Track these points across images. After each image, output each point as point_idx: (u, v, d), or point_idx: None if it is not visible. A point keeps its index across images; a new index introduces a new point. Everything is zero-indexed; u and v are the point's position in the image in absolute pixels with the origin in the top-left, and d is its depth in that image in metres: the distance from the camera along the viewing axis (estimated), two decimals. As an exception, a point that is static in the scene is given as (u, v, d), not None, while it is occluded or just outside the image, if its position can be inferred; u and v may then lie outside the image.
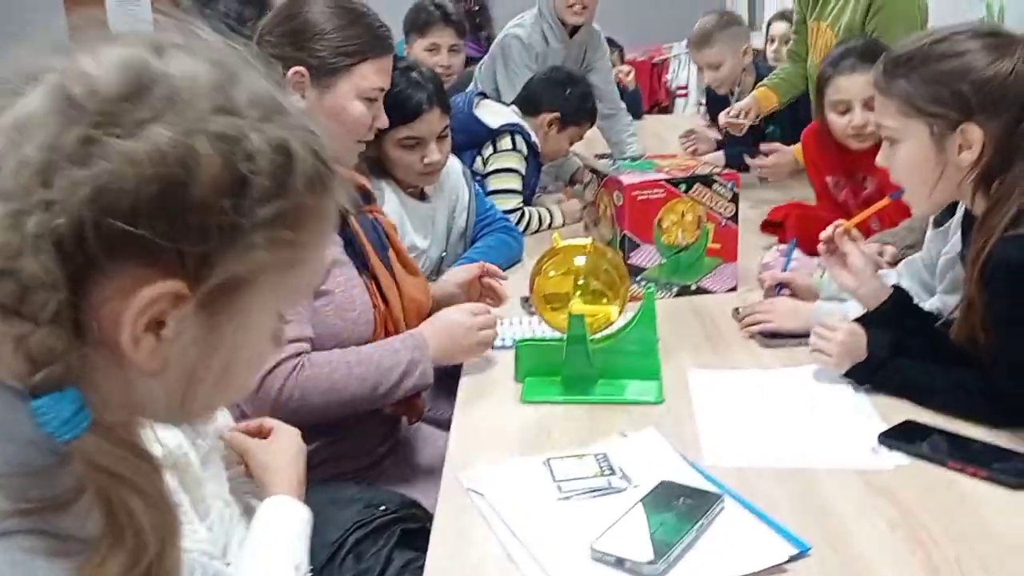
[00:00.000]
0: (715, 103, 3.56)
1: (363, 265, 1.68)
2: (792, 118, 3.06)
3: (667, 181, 2.00)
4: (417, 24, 3.25)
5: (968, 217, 1.53)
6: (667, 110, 5.87)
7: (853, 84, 2.24)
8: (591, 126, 3.04)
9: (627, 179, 2.00)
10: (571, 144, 2.95)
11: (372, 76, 1.65)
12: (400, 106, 1.98)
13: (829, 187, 2.45)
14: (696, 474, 1.30)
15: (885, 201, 1.62)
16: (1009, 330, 1.34)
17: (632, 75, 4.93)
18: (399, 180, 2.17)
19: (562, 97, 2.81)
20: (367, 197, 1.74)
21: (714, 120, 3.52)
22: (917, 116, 1.41)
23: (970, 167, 1.39)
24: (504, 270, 2.32)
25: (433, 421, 1.83)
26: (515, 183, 2.64)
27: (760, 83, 3.10)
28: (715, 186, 2.01)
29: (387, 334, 1.68)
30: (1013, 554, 1.11)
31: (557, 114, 2.79)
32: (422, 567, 1.21)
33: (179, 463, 0.99)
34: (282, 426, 1.27)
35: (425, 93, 2.07)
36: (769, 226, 2.44)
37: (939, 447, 1.34)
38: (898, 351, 1.54)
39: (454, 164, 2.32)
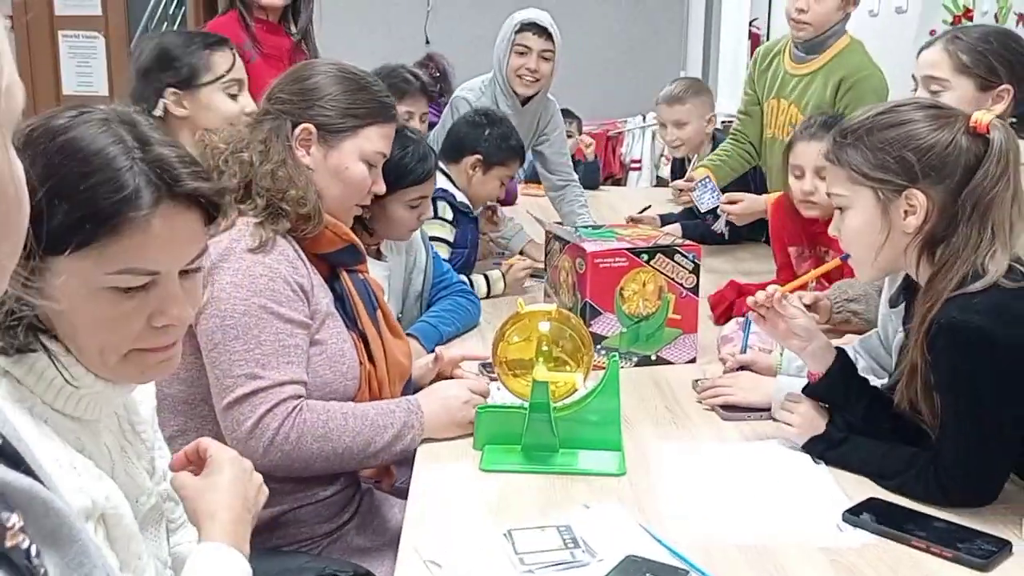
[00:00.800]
0: (677, 172, 3.60)
1: (352, 322, 1.66)
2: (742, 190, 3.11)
3: (630, 250, 2.00)
4: (394, 92, 3.26)
5: (911, 287, 1.55)
6: (620, 183, 5.94)
7: (809, 151, 2.28)
8: (520, 164, 2.97)
9: (590, 246, 2.00)
10: (502, 186, 2.87)
11: (376, 140, 1.68)
12: (415, 169, 2.07)
13: (791, 258, 2.48)
14: (661, 548, 1.27)
15: (834, 263, 1.64)
16: (954, 403, 1.34)
17: (592, 147, 5.00)
18: (369, 234, 2.16)
19: (482, 138, 2.76)
20: (359, 257, 1.72)
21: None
22: (864, 183, 1.44)
23: (915, 232, 1.41)
24: (461, 334, 2.30)
25: (392, 490, 1.78)
26: (443, 252, 2.61)
27: (700, 163, 3.14)
28: (677, 256, 2.02)
29: (371, 394, 1.66)
30: (982, 637, 1.09)
31: (479, 156, 2.74)
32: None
33: (107, 516, 0.94)
34: (221, 454, 1.09)
35: (432, 156, 2.14)
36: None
37: (903, 526, 1.33)
38: (854, 430, 1.54)
39: None
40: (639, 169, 6.09)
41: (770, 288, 1.59)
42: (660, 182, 5.62)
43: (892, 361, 1.72)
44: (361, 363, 1.65)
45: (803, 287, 1.79)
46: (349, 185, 1.67)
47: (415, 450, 1.59)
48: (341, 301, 1.67)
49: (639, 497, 1.44)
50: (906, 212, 1.41)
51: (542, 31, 3.13)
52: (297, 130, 1.61)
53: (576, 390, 1.55)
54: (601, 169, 5.39)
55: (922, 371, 1.38)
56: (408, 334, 2.16)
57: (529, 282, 2.74)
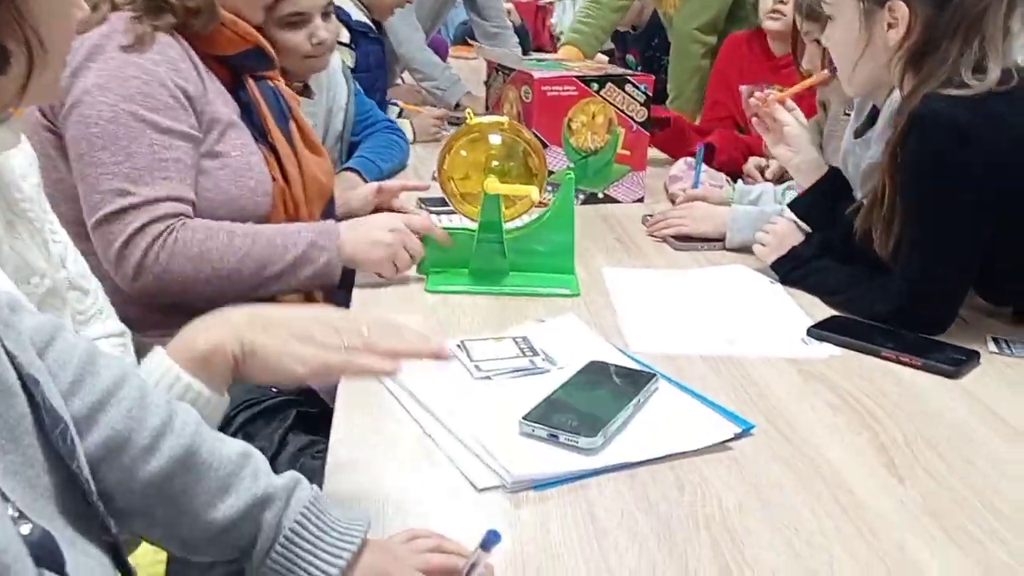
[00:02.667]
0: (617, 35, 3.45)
1: (261, 134, 1.49)
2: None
3: (579, 78, 1.88)
4: None
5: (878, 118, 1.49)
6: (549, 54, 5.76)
7: None
8: None
9: (538, 73, 1.87)
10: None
11: None
12: None
13: (743, 98, 2.39)
14: (625, 357, 1.20)
15: (824, 74, 1.56)
16: (919, 208, 1.28)
17: (512, 12, 4.79)
18: (284, 73, 1.97)
19: None
20: (269, 61, 1.54)
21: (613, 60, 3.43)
22: None
23: (897, 46, 1.33)
24: (396, 173, 2.17)
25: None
26: None
27: (563, 42, 2.96)
28: (628, 87, 1.91)
29: (287, 214, 1.50)
30: (956, 434, 1.06)
31: None
32: (321, 451, 1.07)
33: None
34: None
35: None
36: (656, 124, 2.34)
37: (870, 337, 1.28)
38: (824, 252, 1.49)
39: (333, 59, 2.12)
40: (568, 42, 5.92)
41: (766, 91, 1.52)
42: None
43: (858, 191, 1.66)
44: (274, 179, 1.48)
45: (807, 90, 1.70)
46: None
47: (336, 278, 1.42)
48: (248, 112, 1.48)
49: (595, 316, 1.37)
50: (889, 25, 1.32)
51: None
52: None
53: (533, 204, 1.44)
54: (531, 38, 5.21)
55: (887, 191, 1.31)
56: (348, 168, 2.03)
57: (445, 131, 2.61)
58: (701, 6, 2.74)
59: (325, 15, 1.91)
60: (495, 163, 1.44)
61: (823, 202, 1.50)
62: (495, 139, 1.45)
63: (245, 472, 0.71)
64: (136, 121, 1.31)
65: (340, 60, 2.18)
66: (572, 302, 1.42)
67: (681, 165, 2.07)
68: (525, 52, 4.29)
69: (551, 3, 5.89)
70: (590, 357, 1.17)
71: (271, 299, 1.42)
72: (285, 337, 0.83)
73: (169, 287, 1.32)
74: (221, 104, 1.43)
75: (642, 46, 3.19)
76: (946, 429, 1.07)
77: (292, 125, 1.58)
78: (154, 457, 0.68)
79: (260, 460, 0.74)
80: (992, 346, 1.29)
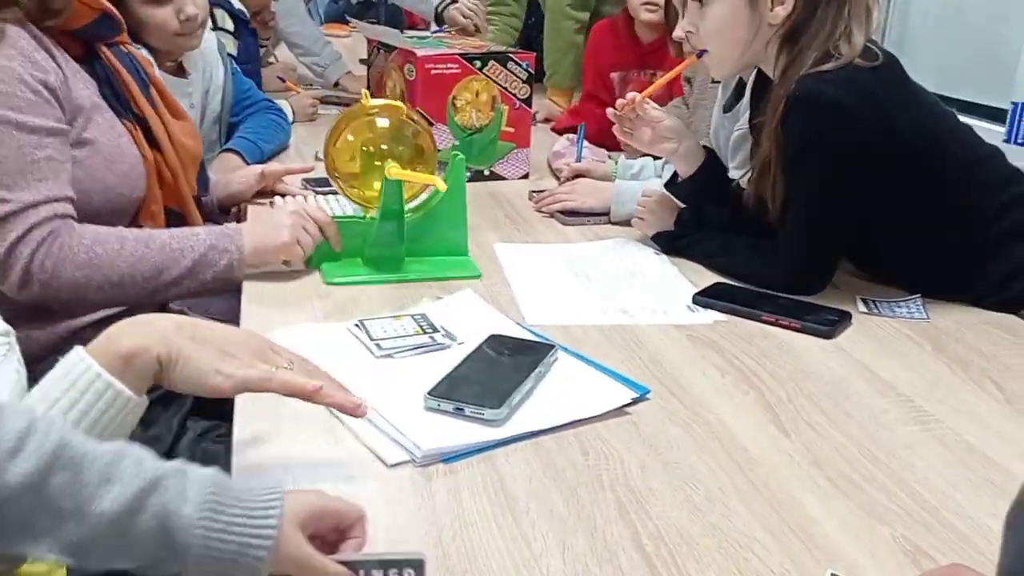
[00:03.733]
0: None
1: (125, 107, 1.43)
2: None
3: (462, 56, 1.89)
4: None
5: (757, 85, 1.53)
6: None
7: None
8: None
9: (421, 52, 1.88)
10: None
11: None
12: None
13: (614, 84, 2.44)
14: (522, 330, 1.23)
15: (690, 60, 1.57)
16: (799, 180, 1.34)
17: None
18: (154, 52, 1.90)
19: None
20: (116, 26, 1.46)
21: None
22: None
23: (783, 22, 1.37)
24: (278, 154, 2.14)
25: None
26: None
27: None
28: (510, 64, 1.93)
29: (164, 186, 1.46)
30: (834, 391, 1.13)
31: None
32: (223, 435, 1.06)
33: None
34: None
35: None
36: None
37: (751, 303, 1.35)
38: (702, 222, 1.55)
39: (208, 38, 2.06)
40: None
41: (629, 95, 1.52)
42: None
43: (728, 162, 1.73)
44: (144, 156, 1.43)
45: (668, 87, 1.71)
46: None
47: (240, 277, 1.38)
48: (109, 85, 1.42)
49: (491, 292, 1.39)
50: (773, 2, 1.37)
51: None
52: None
53: (438, 192, 1.44)
54: (404, 18, 5.15)
55: (773, 162, 1.37)
56: (229, 149, 1.98)
57: (323, 110, 2.59)
58: None
59: None
60: (384, 146, 1.44)
61: (703, 186, 1.54)
62: (383, 122, 1.45)
63: (126, 461, 0.68)
64: (1, 124, 1.24)
65: (216, 39, 2.12)
66: (468, 281, 1.43)
67: (564, 141, 2.11)
68: (400, 30, 4.26)
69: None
70: (489, 331, 1.19)
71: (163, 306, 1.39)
72: (211, 349, 0.81)
73: (59, 294, 1.26)
74: (81, 87, 1.36)
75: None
76: (825, 385, 1.14)
77: (153, 91, 1.52)
78: (21, 458, 0.64)
79: (141, 449, 0.70)
80: (862, 306, 1.38)
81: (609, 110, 1.56)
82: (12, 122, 1.24)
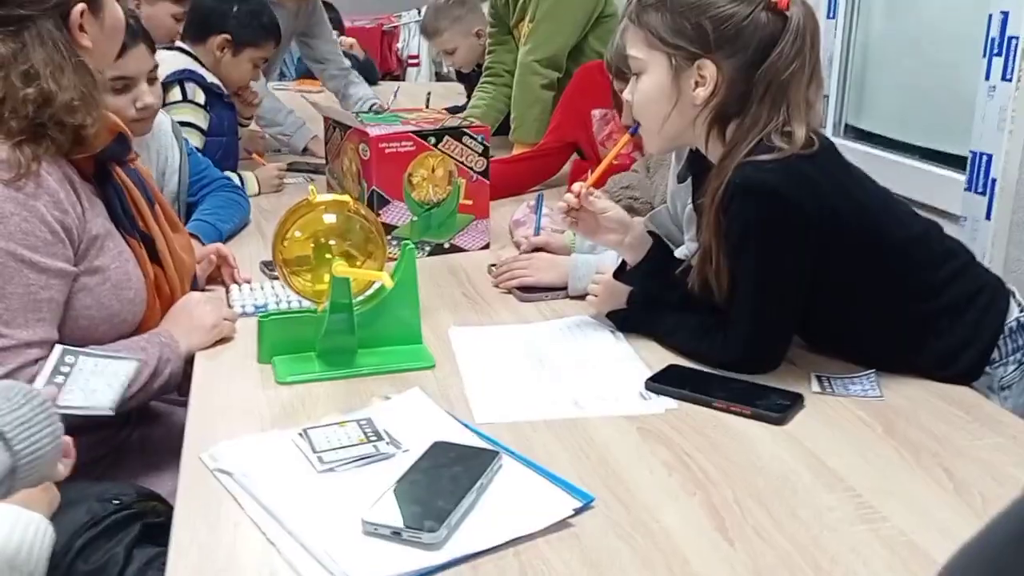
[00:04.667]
0: (463, 78, 3.48)
1: (132, 225, 1.46)
2: None
3: (416, 133, 1.90)
4: None
5: (697, 161, 1.54)
6: (399, 78, 5.75)
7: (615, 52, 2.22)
8: (276, 46, 2.73)
9: (374, 131, 1.88)
10: (255, 68, 2.63)
11: None
12: None
13: (594, 120, 2.44)
14: (469, 433, 1.22)
15: (624, 139, 1.57)
16: (745, 266, 1.34)
17: (355, 45, 4.75)
18: None
19: (230, 15, 2.51)
20: (128, 145, 1.49)
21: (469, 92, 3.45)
22: (660, 48, 1.39)
23: (703, 103, 1.38)
24: (238, 231, 2.13)
25: (175, 400, 1.61)
26: (195, 139, 2.35)
27: (465, 115, 3.03)
28: (465, 139, 1.94)
29: (162, 301, 1.49)
30: (782, 487, 1.12)
31: (227, 36, 2.50)
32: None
33: None
34: None
35: (128, 29, 1.82)
36: None
37: (703, 388, 1.34)
38: (654, 300, 1.55)
39: (162, 120, 2.07)
40: (417, 65, 5.92)
41: (575, 187, 1.52)
42: (441, 78, 5.49)
43: (683, 235, 1.72)
44: (145, 274, 1.46)
45: (604, 175, 1.71)
46: (116, 38, 1.44)
47: (179, 379, 1.45)
48: (119, 203, 1.45)
49: (442, 385, 1.38)
50: (696, 83, 1.37)
51: None
52: (75, 12, 1.32)
53: (385, 288, 1.43)
54: (377, 65, 5.19)
55: (714, 249, 1.37)
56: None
57: (290, 178, 2.59)
58: (542, 41, 2.80)
59: (150, 80, 1.88)
60: (331, 242, 1.43)
61: (652, 272, 1.53)
62: (329, 218, 1.44)
63: None
64: (14, 261, 1.26)
65: (170, 120, 2.12)
66: (420, 372, 1.42)
67: (524, 209, 2.11)
68: (372, 83, 4.28)
69: (396, 27, 5.90)
70: (434, 437, 1.18)
71: None
72: None
73: None
74: (95, 216, 1.38)
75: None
76: (773, 480, 1.13)
77: (157, 208, 1.55)
78: None
79: None
80: (815, 385, 1.37)
81: (559, 204, 1.56)
82: (27, 261, 1.27)
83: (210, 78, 2.48)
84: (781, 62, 1.32)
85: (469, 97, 3.42)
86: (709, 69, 1.36)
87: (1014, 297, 1.44)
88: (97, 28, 1.38)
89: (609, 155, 1.59)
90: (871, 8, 2.61)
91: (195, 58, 2.48)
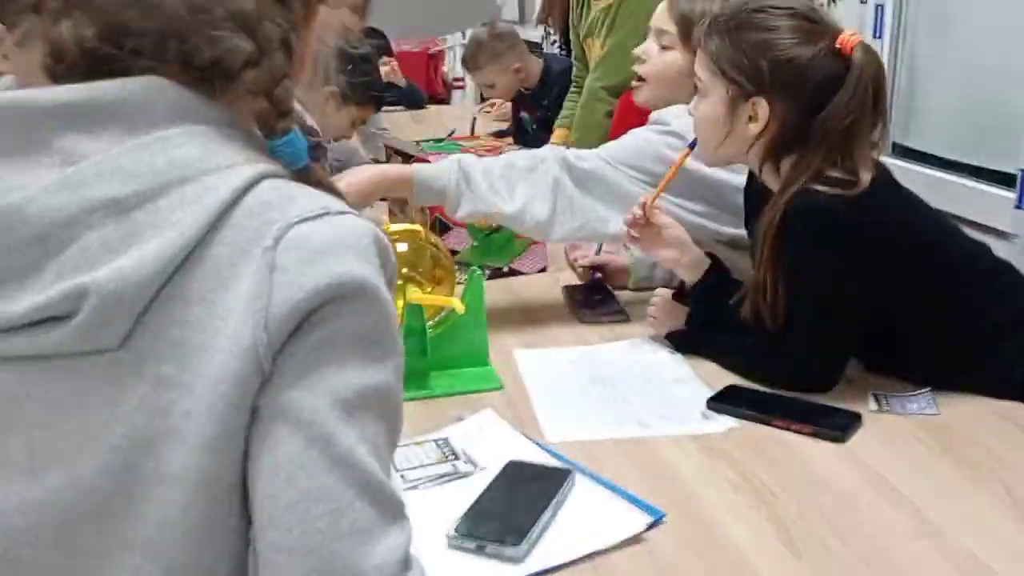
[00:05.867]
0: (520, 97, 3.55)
1: None
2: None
3: (474, 162, 1.97)
4: None
5: (751, 186, 1.58)
6: (444, 102, 5.85)
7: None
8: (377, 111, 2.88)
9: (435, 159, 1.95)
10: (353, 127, 2.77)
11: None
12: None
13: None
14: (541, 451, 1.28)
15: (684, 154, 1.63)
16: (804, 289, 1.38)
17: (395, 71, 4.82)
18: None
19: (344, 71, 2.64)
20: None
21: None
22: (720, 76, 1.44)
23: (755, 138, 1.43)
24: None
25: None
26: None
27: (558, 124, 3.14)
28: (523, 166, 2.00)
29: None
30: (844, 502, 1.17)
31: (335, 88, 2.64)
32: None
33: None
34: None
35: None
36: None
37: (763, 407, 1.39)
38: (712, 321, 1.59)
39: None
40: (463, 87, 6.01)
41: (641, 198, 1.58)
42: (485, 100, 5.58)
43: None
44: None
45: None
46: None
47: None
48: None
49: (512, 405, 1.44)
50: (750, 117, 1.43)
51: None
52: None
53: (457, 313, 1.50)
54: (423, 88, 5.29)
55: (770, 280, 1.40)
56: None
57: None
58: (611, 70, 2.86)
59: None
60: (404, 270, 1.51)
61: (710, 292, 1.58)
62: (402, 247, 1.52)
63: None
64: None
65: None
66: (489, 393, 1.49)
67: (580, 233, 2.17)
68: (419, 107, 4.38)
69: (441, 51, 6.00)
70: (509, 455, 1.24)
71: None
72: None
73: None
74: None
75: (535, 106, 3.31)
76: (836, 497, 1.18)
77: None
78: None
79: None
80: (873, 404, 1.41)
81: (624, 219, 1.62)
82: None
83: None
84: (841, 110, 1.34)
85: (513, 120, 3.51)
86: (763, 107, 1.41)
87: (1067, 316, 1.47)
88: None
89: (671, 170, 1.63)
90: (917, 27, 2.65)
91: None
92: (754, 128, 1.41)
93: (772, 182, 1.45)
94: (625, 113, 2.60)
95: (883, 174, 1.40)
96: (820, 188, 1.33)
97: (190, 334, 0.66)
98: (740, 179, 1.67)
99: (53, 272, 0.65)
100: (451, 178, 1.64)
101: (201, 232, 0.66)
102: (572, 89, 3.16)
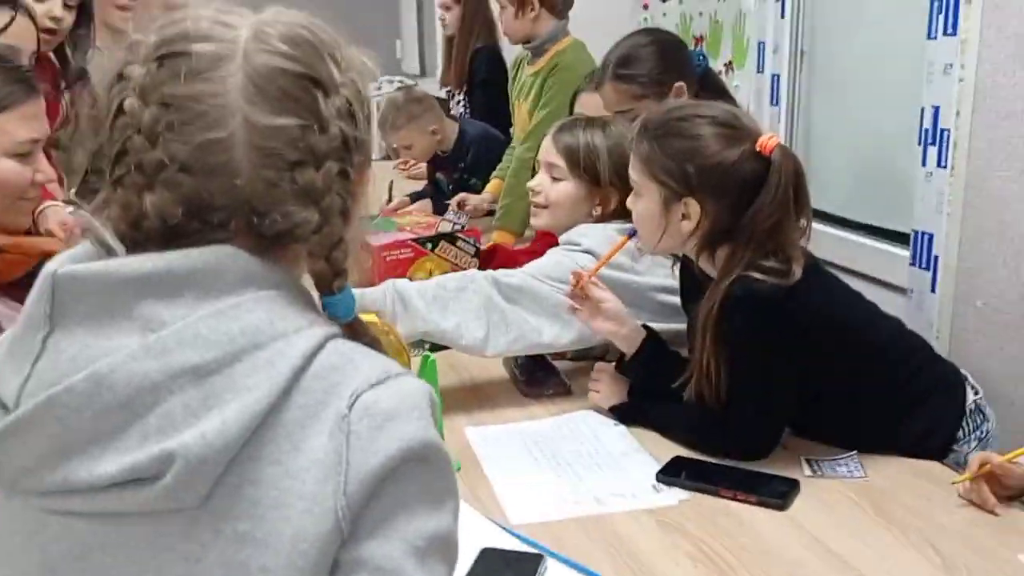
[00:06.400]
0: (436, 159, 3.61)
1: None
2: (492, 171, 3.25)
3: (414, 240, 2.04)
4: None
5: (687, 268, 1.70)
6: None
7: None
8: None
9: (375, 240, 2.01)
10: None
11: (16, 128, 1.44)
12: None
13: None
14: (510, 536, 1.34)
15: (623, 241, 1.74)
16: (744, 365, 1.49)
17: None
18: None
19: None
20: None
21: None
22: (652, 179, 1.55)
23: (689, 234, 1.54)
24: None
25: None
26: None
27: (494, 173, 3.24)
28: (459, 243, 2.08)
29: None
30: (797, 568, 1.27)
31: None
32: None
33: None
34: None
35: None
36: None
37: (709, 478, 1.49)
38: (651, 390, 1.69)
39: None
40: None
41: (577, 271, 1.67)
42: (388, 157, 5.64)
43: None
44: None
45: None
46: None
47: None
48: None
49: (472, 487, 1.50)
50: (683, 215, 1.53)
51: None
52: None
53: None
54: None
55: (713, 363, 1.50)
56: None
57: None
58: (541, 142, 2.95)
59: None
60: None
61: (648, 363, 1.69)
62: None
63: None
64: None
65: None
66: (447, 474, 1.54)
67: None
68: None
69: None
70: (478, 542, 1.30)
71: None
72: None
73: None
74: None
75: (451, 168, 3.39)
76: (787, 566, 1.28)
77: None
78: None
79: None
80: (807, 469, 1.53)
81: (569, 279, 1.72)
82: None
83: None
84: (766, 210, 1.46)
85: (430, 181, 3.58)
86: (693, 207, 1.51)
87: (967, 383, 1.63)
88: None
89: (609, 252, 1.74)
90: (811, 94, 2.84)
91: None
92: (687, 225, 1.53)
93: (709, 269, 1.56)
94: None
95: (811, 262, 1.52)
96: (757, 276, 1.45)
97: (264, 492, 0.71)
98: (658, 280, 1.80)
99: (137, 434, 0.69)
100: (387, 301, 1.71)
101: (276, 396, 0.71)
102: (512, 145, 3.26)
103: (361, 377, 0.75)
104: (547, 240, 2.64)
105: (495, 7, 3.15)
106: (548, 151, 1.97)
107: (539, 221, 2.00)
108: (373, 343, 0.82)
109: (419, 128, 3.36)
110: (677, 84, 2.13)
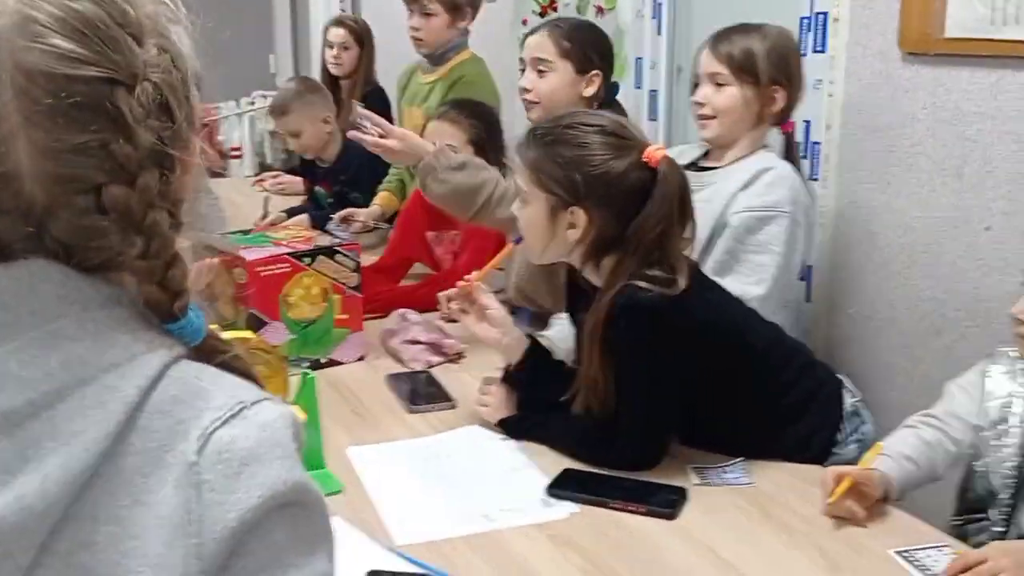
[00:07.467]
0: (306, 165, 3.51)
1: None
2: (375, 184, 3.19)
3: (291, 255, 1.95)
4: None
5: (573, 280, 1.68)
6: (221, 174, 5.69)
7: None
8: None
9: (249, 255, 1.92)
10: None
11: None
12: None
13: (428, 240, 2.58)
14: (396, 558, 1.29)
15: (508, 248, 1.71)
16: (630, 375, 1.48)
17: None
18: None
19: None
20: None
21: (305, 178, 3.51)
22: (540, 187, 1.54)
23: (575, 243, 1.53)
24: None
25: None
26: None
27: (381, 186, 3.17)
28: (338, 257, 2.01)
29: None
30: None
31: None
32: None
33: None
34: None
35: None
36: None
37: (599, 490, 1.47)
38: (537, 400, 1.67)
39: None
40: (240, 156, 5.88)
41: (468, 277, 1.64)
42: (265, 168, 5.49)
43: None
44: None
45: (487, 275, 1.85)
46: None
47: None
48: None
49: (355, 509, 1.44)
50: (570, 224, 1.52)
51: None
52: None
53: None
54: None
55: (601, 372, 1.49)
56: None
57: None
58: None
59: None
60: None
61: (533, 373, 1.66)
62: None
63: None
64: None
65: None
66: (332, 499, 1.47)
67: (395, 318, 2.19)
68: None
69: (214, 120, 5.85)
70: (364, 565, 1.24)
71: None
72: None
73: None
74: None
75: (332, 180, 3.29)
76: (675, 575, 1.26)
77: None
78: None
79: None
80: (695, 477, 1.53)
81: (441, 296, 1.69)
82: None
83: None
84: (652, 220, 1.46)
85: (307, 193, 3.48)
86: (580, 216, 1.50)
87: (845, 387, 1.67)
88: None
89: (494, 260, 1.72)
90: (688, 111, 2.89)
91: None
92: (573, 235, 1.51)
93: (594, 279, 1.55)
94: (414, 211, 2.67)
95: (695, 271, 1.53)
96: (642, 285, 1.44)
97: (100, 558, 0.60)
98: None
99: None
100: None
101: (109, 441, 0.61)
102: None
103: (211, 411, 0.64)
104: (433, 283, 2.60)
105: (403, 16, 3.07)
106: (710, 62, 1.94)
107: (708, 132, 1.96)
108: (230, 361, 0.69)
109: (311, 116, 3.23)
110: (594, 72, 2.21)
